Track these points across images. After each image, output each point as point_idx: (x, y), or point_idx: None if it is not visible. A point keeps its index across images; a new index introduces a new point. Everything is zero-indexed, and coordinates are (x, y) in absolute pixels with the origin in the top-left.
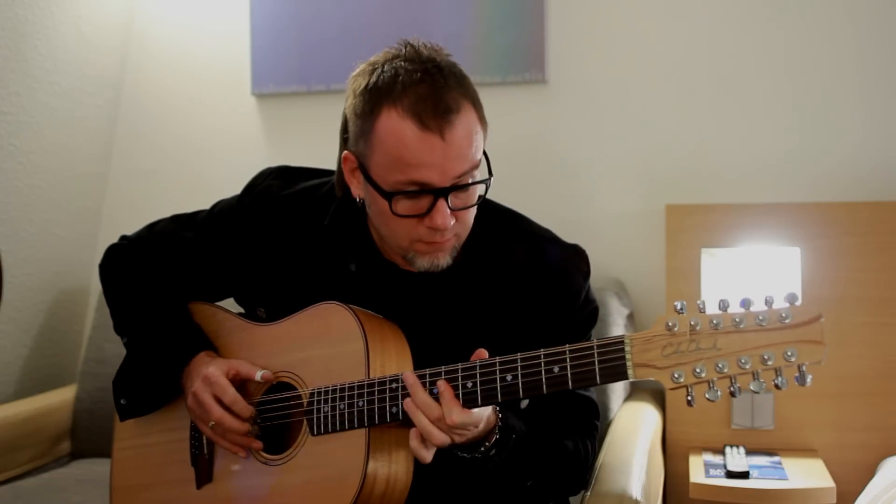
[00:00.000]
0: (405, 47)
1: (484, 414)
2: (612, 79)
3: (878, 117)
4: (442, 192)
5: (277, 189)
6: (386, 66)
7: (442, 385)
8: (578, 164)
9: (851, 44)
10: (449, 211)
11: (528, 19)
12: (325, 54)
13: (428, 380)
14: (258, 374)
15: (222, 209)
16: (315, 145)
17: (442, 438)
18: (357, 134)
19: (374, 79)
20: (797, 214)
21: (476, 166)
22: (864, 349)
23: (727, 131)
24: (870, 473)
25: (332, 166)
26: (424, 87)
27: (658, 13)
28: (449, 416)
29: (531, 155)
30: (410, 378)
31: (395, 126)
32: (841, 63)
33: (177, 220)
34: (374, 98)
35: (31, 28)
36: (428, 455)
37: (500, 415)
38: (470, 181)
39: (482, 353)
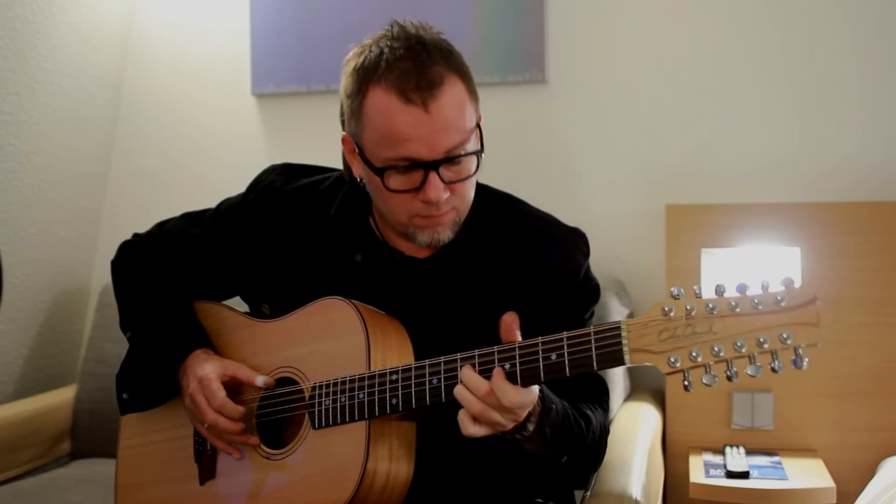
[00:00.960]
0: (393, 27)
1: (535, 391)
2: (612, 79)
3: (878, 117)
4: (432, 166)
5: (281, 184)
6: (373, 47)
7: (497, 370)
8: (578, 164)
9: (851, 44)
10: (442, 184)
11: (528, 19)
12: (325, 54)
13: (428, 370)
14: (259, 380)
15: (228, 207)
16: (315, 145)
17: (495, 418)
18: (349, 114)
19: (361, 59)
20: (797, 214)
21: (466, 138)
22: (864, 349)
23: (727, 131)
24: (870, 473)
25: (332, 165)
26: (407, 62)
27: (658, 13)
28: (506, 398)
29: (531, 155)
30: (468, 371)
31: (381, 102)
32: (841, 63)
33: (186, 217)
34: (362, 77)
35: (31, 28)
36: (476, 430)
37: (542, 392)
38: (462, 153)
39: (510, 325)
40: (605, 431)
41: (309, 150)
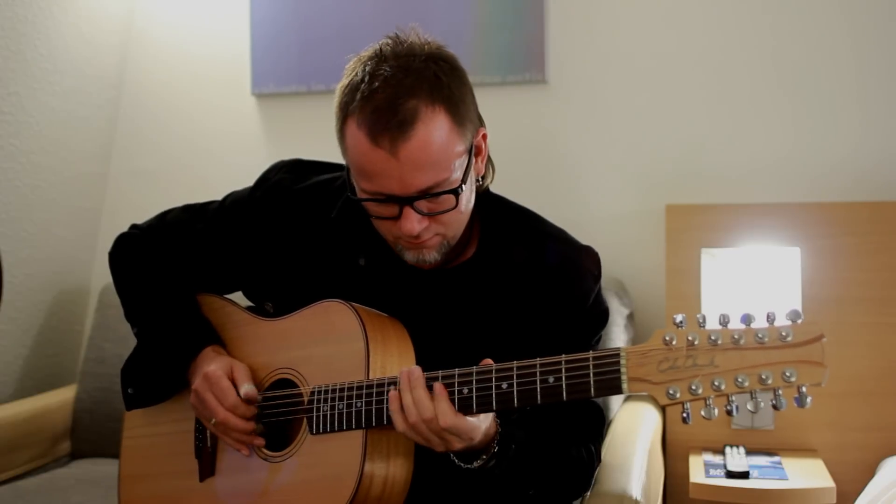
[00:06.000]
0: (384, 46)
1: (482, 426)
2: (612, 79)
3: (877, 117)
4: (406, 201)
5: (289, 183)
6: (359, 68)
7: (438, 387)
8: (578, 164)
9: (850, 44)
10: (418, 216)
11: (528, 19)
12: (325, 54)
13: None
14: (243, 389)
15: (234, 201)
16: (315, 145)
17: (431, 439)
18: (337, 133)
19: (346, 81)
20: (797, 214)
21: (445, 174)
22: (864, 349)
23: (727, 131)
24: (870, 473)
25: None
26: (381, 96)
27: (658, 13)
28: (442, 418)
29: (531, 155)
30: (416, 372)
31: (355, 136)
32: (840, 63)
33: (188, 209)
34: (342, 104)
35: (31, 28)
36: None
37: (500, 426)
38: (440, 190)
39: (488, 363)
40: (590, 460)
41: (309, 150)
